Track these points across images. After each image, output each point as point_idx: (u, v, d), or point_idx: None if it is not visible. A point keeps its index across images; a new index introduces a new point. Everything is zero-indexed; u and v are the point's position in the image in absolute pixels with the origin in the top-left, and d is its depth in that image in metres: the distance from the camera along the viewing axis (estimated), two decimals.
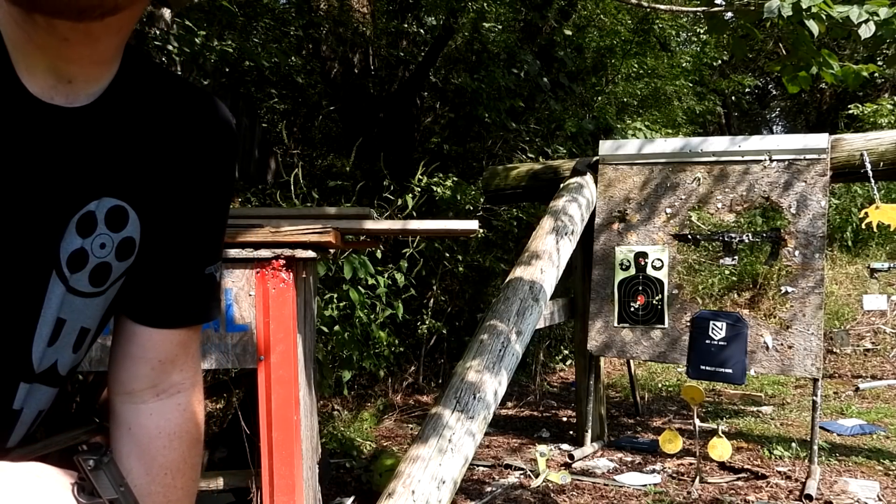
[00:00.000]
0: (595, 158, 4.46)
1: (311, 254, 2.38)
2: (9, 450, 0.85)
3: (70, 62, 0.72)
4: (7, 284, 0.75)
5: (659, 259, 4.15)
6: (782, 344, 3.80)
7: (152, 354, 0.90)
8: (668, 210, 4.19)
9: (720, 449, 3.75)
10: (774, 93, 17.85)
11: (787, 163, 3.97)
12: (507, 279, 3.66)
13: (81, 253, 0.78)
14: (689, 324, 4.00)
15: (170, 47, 4.13)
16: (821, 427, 4.33)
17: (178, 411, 0.92)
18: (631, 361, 5.21)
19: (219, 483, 2.55)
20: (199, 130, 0.87)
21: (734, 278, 4.15)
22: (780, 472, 3.91)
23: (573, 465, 4.12)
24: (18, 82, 0.70)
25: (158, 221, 0.84)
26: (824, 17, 2.81)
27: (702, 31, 9.99)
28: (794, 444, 4.29)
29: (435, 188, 5.49)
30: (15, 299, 0.76)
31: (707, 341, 3.90)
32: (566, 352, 7.15)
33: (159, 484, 0.89)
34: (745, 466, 4.02)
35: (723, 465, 4.00)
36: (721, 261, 4.06)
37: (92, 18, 0.67)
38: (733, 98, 16.23)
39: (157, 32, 4.06)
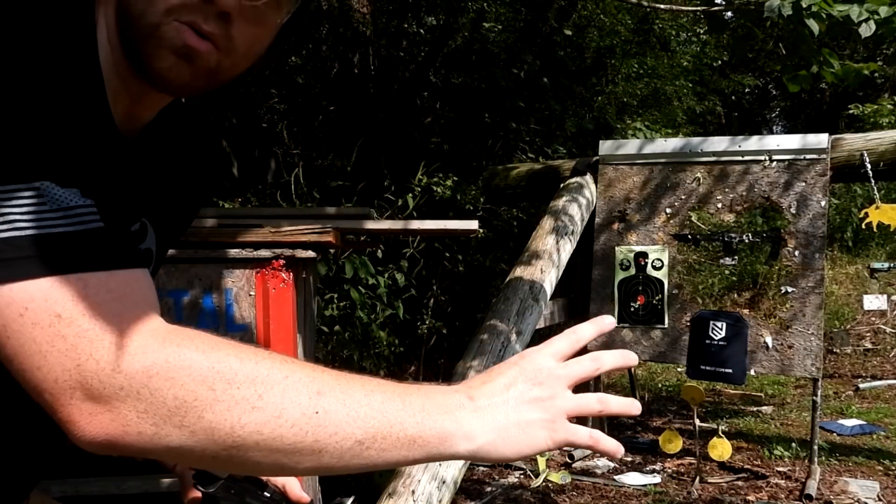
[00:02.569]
0: (595, 158, 4.45)
1: (311, 254, 2.38)
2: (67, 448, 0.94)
3: (148, 108, 0.83)
4: None
5: (659, 259, 4.14)
6: (782, 344, 3.80)
7: None
8: (668, 210, 4.19)
9: (720, 449, 3.75)
10: (774, 93, 17.83)
11: (787, 163, 3.97)
12: (507, 279, 3.66)
13: None
14: (689, 324, 4.00)
15: None
16: (821, 427, 4.32)
17: None
18: None
19: None
20: (194, 149, 0.98)
21: (734, 278, 4.15)
22: (780, 472, 3.91)
23: (573, 465, 4.12)
24: (111, 117, 0.77)
25: (165, 233, 0.94)
26: (824, 17, 2.80)
27: (702, 31, 9.98)
28: (794, 444, 4.29)
29: (435, 188, 5.49)
30: None
31: (707, 341, 3.89)
32: None
33: None
34: (745, 466, 4.02)
35: (723, 465, 4.00)
36: (721, 261, 4.06)
37: None
38: (733, 98, 16.22)
39: None
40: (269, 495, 0.89)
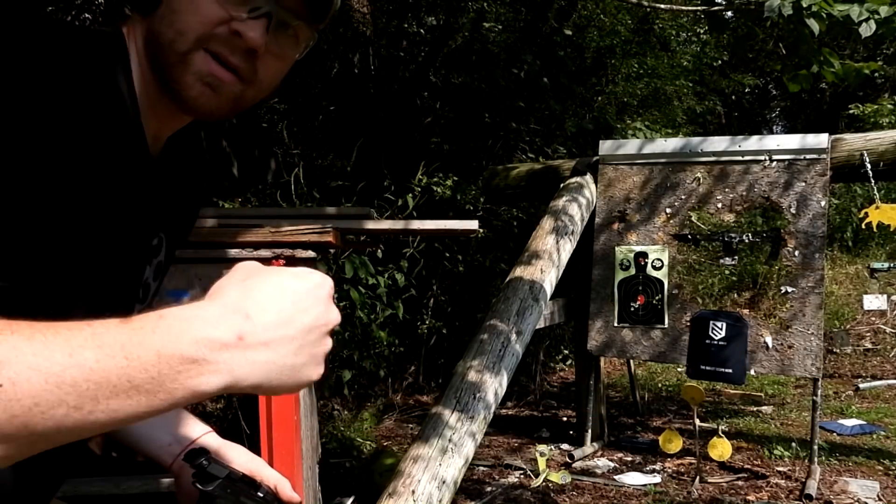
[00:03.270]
0: (595, 158, 4.45)
1: (311, 254, 2.38)
2: None
3: (172, 128, 0.88)
4: (110, 312, 0.81)
5: (659, 259, 4.14)
6: (782, 344, 3.80)
7: None
8: (668, 210, 4.19)
9: (720, 449, 3.75)
10: (774, 93, 17.83)
11: (787, 163, 3.97)
12: (507, 279, 3.66)
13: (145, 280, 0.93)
14: (689, 324, 4.00)
15: None
16: (821, 427, 4.32)
17: None
18: (631, 361, 5.21)
19: None
20: (195, 155, 1.02)
21: (734, 278, 4.14)
22: (780, 472, 3.91)
23: (573, 465, 4.12)
24: (144, 137, 0.82)
25: (174, 242, 0.99)
26: (824, 16, 2.81)
27: (702, 31, 9.98)
28: (794, 444, 4.29)
29: (435, 188, 5.49)
30: None
31: (707, 341, 3.89)
32: (566, 352, 7.15)
33: None
34: (745, 466, 4.02)
35: (723, 465, 4.00)
36: (721, 261, 4.06)
37: None
38: (733, 98, 16.22)
39: None
40: (262, 495, 0.91)
